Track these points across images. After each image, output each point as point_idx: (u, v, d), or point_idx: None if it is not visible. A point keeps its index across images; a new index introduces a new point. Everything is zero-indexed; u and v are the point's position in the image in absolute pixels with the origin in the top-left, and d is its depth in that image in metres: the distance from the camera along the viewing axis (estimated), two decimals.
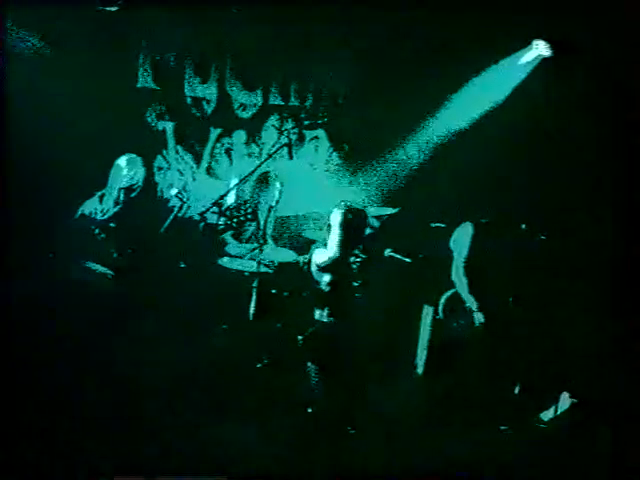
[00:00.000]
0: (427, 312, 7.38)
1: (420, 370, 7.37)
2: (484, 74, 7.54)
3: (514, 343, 7.31)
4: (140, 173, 7.73)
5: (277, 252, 7.84)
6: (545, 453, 7.08)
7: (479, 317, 7.35)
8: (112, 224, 7.72)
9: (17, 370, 7.31)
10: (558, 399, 7.25)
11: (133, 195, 7.74)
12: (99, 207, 7.74)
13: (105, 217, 7.73)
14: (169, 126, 7.89)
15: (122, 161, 7.70)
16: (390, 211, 7.55)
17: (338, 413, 7.31)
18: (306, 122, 7.84)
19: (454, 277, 7.43)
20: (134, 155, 7.73)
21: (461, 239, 7.41)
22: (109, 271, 7.61)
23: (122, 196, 7.73)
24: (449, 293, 7.42)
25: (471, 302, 7.38)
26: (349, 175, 7.83)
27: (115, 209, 7.73)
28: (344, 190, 7.76)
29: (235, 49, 7.69)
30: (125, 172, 7.69)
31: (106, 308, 7.55)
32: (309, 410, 7.28)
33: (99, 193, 7.75)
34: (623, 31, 7.31)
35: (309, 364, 7.26)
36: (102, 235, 7.68)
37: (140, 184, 7.74)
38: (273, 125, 7.87)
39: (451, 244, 7.44)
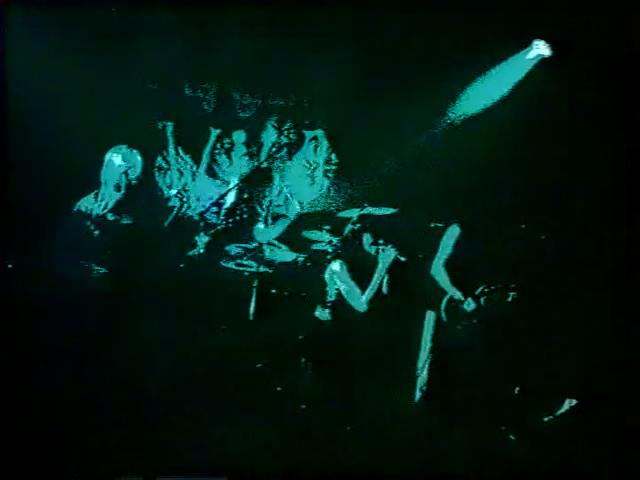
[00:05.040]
0: (429, 316, 7.41)
1: (421, 371, 7.38)
2: (484, 75, 7.53)
3: (514, 343, 7.33)
4: (138, 165, 7.76)
5: (277, 252, 7.84)
6: (545, 453, 7.10)
7: (469, 304, 7.38)
8: (109, 223, 7.73)
9: (16, 370, 7.34)
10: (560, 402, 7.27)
11: (133, 183, 7.77)
12: (95, 204, 7.75)
13: (102, 214, 7.74)
14: (169, 126, 7.89)
15: (114, 156, 7.71)
16: (389, 211, 7.55)
17: (338, 413, 7.33)
18: (306, 122, 7.84)
19: (433, 272, 7.45)
20: (125, 147, 7.75)
21: (447, 239, 7.46)
22: (104, 270, 7.63)
23: (121, 191, 7.76)
24: (449, 295, 7.45)
25: (457, 294, 7.40)
26: (349, 175, 7.82)
27: (112, 206, 7.75)
28: (344, 190, 7.76)
29: (236, 49, 7.69)
30: (119, 165, 7.70)
31: (106, 308, 7.56)
32: (309, 410, 7.30)
33: (95, 191, 7.77)
34: (623, 31, 7.31)
35: (302, 360, 7.30)
36: (97, 232, 7.69)
37: (139, 174, 7.77)
38: (273, 125, 7.87)
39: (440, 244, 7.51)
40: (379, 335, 7.39)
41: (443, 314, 7.40)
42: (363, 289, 7.46)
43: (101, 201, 7.81)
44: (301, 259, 7.70)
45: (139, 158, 7.81)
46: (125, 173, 7.81)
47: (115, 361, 7.43)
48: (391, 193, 7.56)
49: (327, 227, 7.69)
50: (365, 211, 7.55)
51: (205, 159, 7.91)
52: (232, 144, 7.92)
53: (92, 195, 7.81)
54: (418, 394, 7.36)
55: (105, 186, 7.83)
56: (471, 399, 7.30)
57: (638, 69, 7.34)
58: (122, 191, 7.82)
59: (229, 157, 7.94)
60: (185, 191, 7.90)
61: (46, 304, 7.45)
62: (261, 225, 7.84)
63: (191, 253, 7.74)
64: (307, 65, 7.57)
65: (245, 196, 7.89)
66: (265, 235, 7.83)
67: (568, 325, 7.30)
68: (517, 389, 7.32)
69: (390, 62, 7.53)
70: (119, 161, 7.77)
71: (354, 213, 7.59)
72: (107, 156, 7.80)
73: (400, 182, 7.54)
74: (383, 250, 7.41)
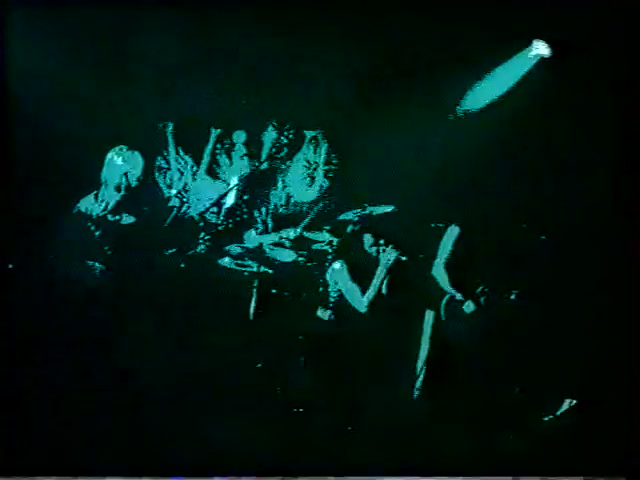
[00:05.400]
0: (429, 315, 7.42)
1: (421, 371, 7.39)
2: (484, 76, 7.54)
3: (514, 343, 7.34)
4: (138, 165, 7.75)
5: (277, 252, 7.84)
6: (545, 454, 7.10)
7: (469, 305, 7.38)
8: (109, 223, 7.72)
9: (16, 370, 7.33)
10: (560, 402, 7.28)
11: (134, 184, 7.76)
12: (95, 205, 7.75)
13: (102, 215, 7.74)
14: (169, 126, 7.88)
15: (115, 156, 7.71)
16: (389, 208, 7.57)
17: (338, 413, 7.33)
18: (306, 122, 7.83)
19: (433, 272, 7.48)
20: (125, 147, 7.74)
21: (447, 239, 7.47)
22: (105, 270, 7.62)
23: (122, 191, 7.76)
24: (449, 295, 7.46)
25: (457, 294, 7.41)
26: (349, 175, 7.82)
27: (113, 207, 7.75)
28: (344, 190, 7.77)
29: (236, 49, 7.68)
30: (119, 166, 7.70)
31: (106, 308, 7.56)
32: (309, 410, 7.30)
33: (95, 191, 7.76)
34: (623, 31, 7.32)
35: (302, 360, 7.30)
36: (97, 233, 7.69)
37: (139, 174, 7.76)
38: (273, 125, 7.86)
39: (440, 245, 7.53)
40: (380, 335, 7.40)
41: (443, 314, 7.41)
42: (364, 289, 7.46)
43: (101, 202, 7.80)
44: (301, 259, 7.70)
45: (140, 159, 7.80)
46: (125, 174, 7.80)
47: (115, 361, 7.42)
48: (391, 193, 7.57)
49: (327, 227, 7.70)
50: (365, 211, 7.56)
51: (205, 159, 7.91)
52: (232, 144, 7.92)
53: (92, 195, 7.80)
54: (418, 394, 7.37)
55: (105, 186, 7.82)
56: (471, 399, 7.31)
57: (638, 69, 7.35)
58: (122, 191, 7.82)
59: (229, 157, 7.93)
60: (185, 191, 7.90)
61: (46, 304, 7.45)
62: (253, 232, 7.85)
63: (191, 253, 7.73)
64: (308, 65, 7.57)
65: (245, 196, 7.89)
66: (256, 241, 7.83)
67: (568, 325, 7.31)
68: (517, 389, 7.32)
69: (390, 63, 7.54)
70: (119, 162, 7.76)
71: (354, 213, 7.60)
72: (107, 157, 7.79)
73: (400, 182, 7.55)
74: (384, 250, 7.42)
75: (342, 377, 7.39)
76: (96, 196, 7.78)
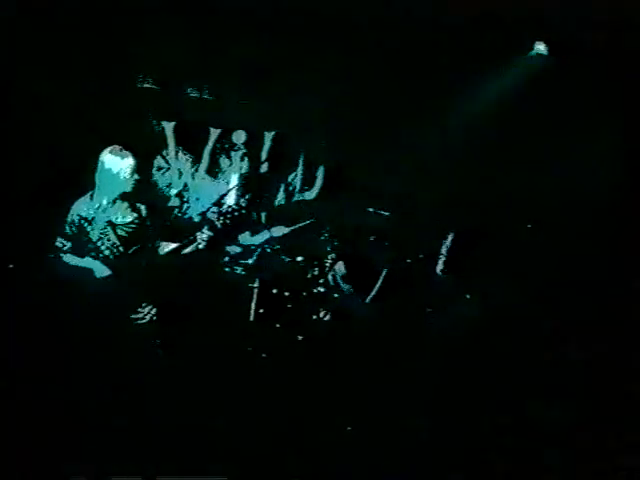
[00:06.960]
0: (431, 316, 7.44)
1: (422, 371, 7.41)
2: (484, 77, 7.57)
3: (516, 344, 7.36)
4: (137, 165, 7.74)
5: (278, 252, 7.84)
6: (544, 453, 7.12)
7: (470, 305, 7.43)
8: (107, 224, 7.72)
9: (16, 371, 7.33)
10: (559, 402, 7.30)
11: (133, 184, 7.75)
12: (93, 205, 7.74)
13: (100, 215, 7.73)
14: (169, 126, 7.88)
15: (113, 156, 7.70)
16: (390, 213, 7.60)
17: (338, 413, 7.34)
18: (307, 122, 7.85)
19: (435, 272, 7.52)
20: (124, 147, 7.73)
21: (449, 239, 7.51)
22: (106, 270, 7.62)
23: (120, 192, 7.75)
24: (450, 295, 7.49)
25: (458, 294, 7.46)
26: (350, 176, 7.85)
27: (111, 207, 7.74)
28: (345, 191, 7.78)
29: (237, 49, 7.70)
30: (118, 166, 7.69)
31: (105, 309, 7.55)
32: (309, 410, 7.30)
33: (91, 192, 7.76)
34: (623, 31, 7.35)
35: (302, 360, 7.32)
36: (95, 233, 7.69)
37: (138, 174, 7.75)
38: (273, 125, 7.88)
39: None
40: (380, 336, 7.42)
41: (444, 314, 7.43)
42: (365, 290, 7.48)
43: (99, 202, 7.78)
44: (302, 259, 7.71)
45: (139, 158, 7.78)
46: (124, 173, 7.78)
47: (114, 361, 7.42)
48: (393, 194, 7.60)
49: (327, 228, 7.72)
50: (366, 212, 7.58)
51: (205, 159, 7.92)
52: (232, 144, 7.92)
53: (88, 195, 7.79)
54: (418, 394, 7.39)
55: (103, 187, 7.79)
56: (471, 399, 7.32)
57: (638, 69, 7.38)
58: (121, 192, 7.80)
59: (229, 157, 7.94)
60: (185, 191, 7.90)
61: (46, 304, 7.44)
62: (248, 232, 7.86)
63: (191, 253, 7.73)
64: (309, 65, 7.59)
65: (246, 196, 7.89)
66: (250, 241, 7.84)
67: (570, 325, 7.35)
68: (516, 389, 7.35)
69: (391, 64, 7.57)
70: (118, 161, 7.74)
71: (355, 214, 7.62)
72: (106, 157, 7.77)
73: (401, 183, 7.58)
74: (385, 251, 7.44)
75: (343, 378, 7.40)
76: (91, 196, 7.77)
